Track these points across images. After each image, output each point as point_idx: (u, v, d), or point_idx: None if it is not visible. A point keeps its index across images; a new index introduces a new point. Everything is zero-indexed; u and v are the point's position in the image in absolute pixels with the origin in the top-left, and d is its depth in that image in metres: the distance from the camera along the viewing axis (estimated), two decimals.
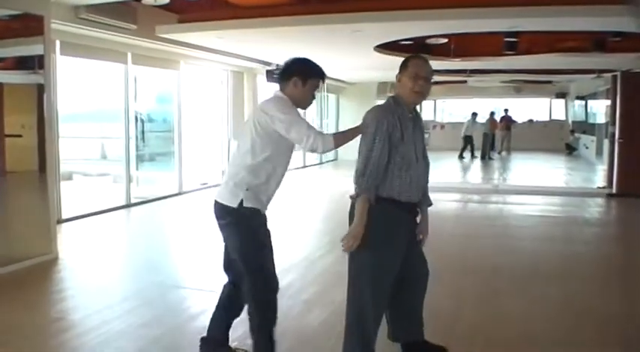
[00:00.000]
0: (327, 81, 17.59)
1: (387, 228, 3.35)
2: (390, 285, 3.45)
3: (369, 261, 3.36)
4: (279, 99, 3.46)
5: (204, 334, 3.80)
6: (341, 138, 3.41)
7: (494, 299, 5.07)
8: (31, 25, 6.05)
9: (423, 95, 3.40)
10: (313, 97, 3.57)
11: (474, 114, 20.80)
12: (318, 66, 3.54)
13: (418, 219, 3.57)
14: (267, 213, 3.53)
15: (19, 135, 6.17)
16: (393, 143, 3.29)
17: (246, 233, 3.43)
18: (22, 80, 6.34)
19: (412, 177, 3.34)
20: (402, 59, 3.50)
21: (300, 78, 3.46)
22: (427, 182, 3.60)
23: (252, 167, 3.42)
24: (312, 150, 3.37)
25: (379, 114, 3.35)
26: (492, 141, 20.95)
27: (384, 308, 3.50)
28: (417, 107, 3.55)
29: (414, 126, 3.42)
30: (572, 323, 4.50)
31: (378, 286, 3.39)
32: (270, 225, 3.53)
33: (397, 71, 3.47)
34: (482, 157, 20.35)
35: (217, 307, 3.76)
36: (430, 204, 3.66)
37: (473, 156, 20.11)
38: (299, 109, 3.50)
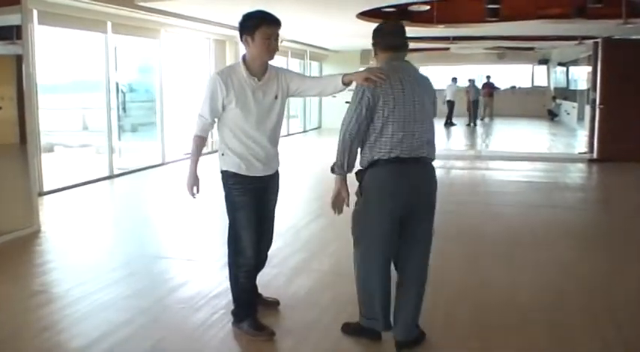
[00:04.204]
0: (310, 49, 17.65)
1: None
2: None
3: None
4: (212, 75, 3.58)
5: (189, 304, 4.06)
6: (193, 150, 3.67)
7: (480, 266, 5.11)
8: None
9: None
10: (274, 46, 3.50)
11: (454, 80, 20.88)
12: (259, 13, 3.47)
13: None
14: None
15: None
16: None
17: (226, 193, 3.65)
18: None
19: None
20: None
21: (248, 34, 3.46)
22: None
23: (219, 135, 3.65)
24: None
25: None
26: (476, 108, 21.02)
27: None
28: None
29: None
30: (557, 289, 4.54)
31: None
32: (263, 191, 3.66)
33: None
34: (469, 124, 20.46)
35: None
36: None
37: (451, 122, 20.10)
38: (269, 61, 3.57)
